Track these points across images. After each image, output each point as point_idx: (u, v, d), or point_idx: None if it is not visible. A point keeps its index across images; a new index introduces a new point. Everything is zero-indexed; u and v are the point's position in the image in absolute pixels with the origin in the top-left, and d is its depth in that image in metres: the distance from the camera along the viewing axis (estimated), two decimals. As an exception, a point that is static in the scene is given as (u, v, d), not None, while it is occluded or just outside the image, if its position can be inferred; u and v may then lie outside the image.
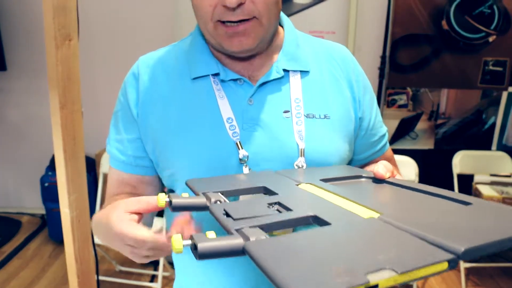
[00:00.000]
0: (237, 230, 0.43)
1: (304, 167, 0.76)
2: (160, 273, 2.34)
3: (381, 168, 0.66)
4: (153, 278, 2.60)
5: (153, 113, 0.80)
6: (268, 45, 0.81)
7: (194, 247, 0.41)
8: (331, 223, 0.44)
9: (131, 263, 2.72)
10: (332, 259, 0.35)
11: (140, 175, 0.85)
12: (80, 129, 1.14)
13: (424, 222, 0.43)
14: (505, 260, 2.77)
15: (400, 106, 2.91)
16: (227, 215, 0.49)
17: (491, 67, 2.82)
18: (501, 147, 2.99)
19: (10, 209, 3.44)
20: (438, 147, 2.99)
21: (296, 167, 0.76)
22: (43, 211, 3.30)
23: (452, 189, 2.62)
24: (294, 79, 0.81)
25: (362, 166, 0.93)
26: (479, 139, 2.99)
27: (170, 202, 0.54)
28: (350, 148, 0.85)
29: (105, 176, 2.50)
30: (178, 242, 0.44)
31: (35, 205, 3.38)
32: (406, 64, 2.82)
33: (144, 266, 2.72)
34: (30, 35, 3.02)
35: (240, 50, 0.75)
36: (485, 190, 2.62)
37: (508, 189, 2.64)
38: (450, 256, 0.35)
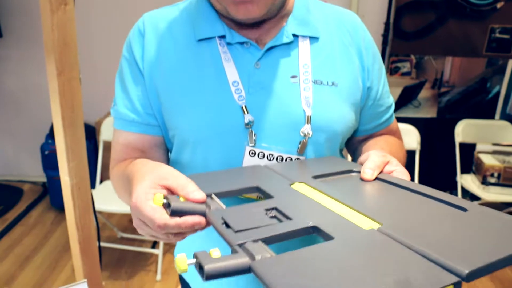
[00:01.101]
0: (240, 245, 0.43)
1: (310, 135, 0.75)
2: (161, 240, 2.37)
3: (367, 172, 0.65)
4: (154, 244, 2.63)
5: (158, 73, 0.78)
6: (278, 11, 0.78)
7: (199, 267, 0.41)
8: (334, 237, 0.44)
9: (133, 230, 2.75)
10: (339, 282, 0.35)
11: (149, 136, 0.82)
12: (79, 96, 1.12)
13: (425, 235, 0.43)
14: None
15: (403, 74, 2.87)
16: (227, 225, 0.48)
17: (497, 35, 2.76)
18: (505, 117, 2.96)
19: (11, 177, 3.46)
20: (441, 116, 2.97)
21: (302, 134, 0.75)
22: (44, 179, 3.31)
23: (454, 158, 2.63)
24: (303, 44, 0.79)
25: (367, 137, 0.92)
26: (482, 108, 2.96)
27: (168, 204, 0.53)
28: (356, 117, 0.83)
29: (105, 144, 2.50)
30: (183, 262, 0.43)
31: (36, 173, 3.40)
32: (410, 31, 2.77)
33: (145, 233, 2.75)
34: (25, 0, 2.95)
35: (247, 18, 0.72)
36: (487, 159, 2.61)
37: (510, 158, 2.64)
38: (455, 279, 0.35)
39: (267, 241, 0.45)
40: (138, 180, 0.60)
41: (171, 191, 0.58)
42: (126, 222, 2.87)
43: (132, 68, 0.80)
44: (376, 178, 0.65)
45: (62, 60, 1.07)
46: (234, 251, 0.43)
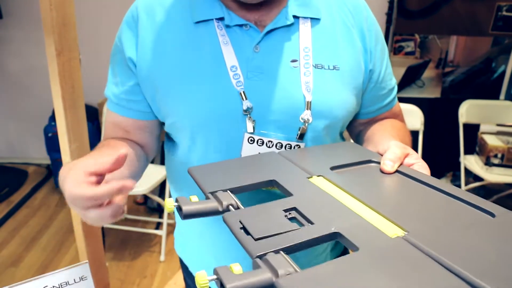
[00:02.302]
0: (260, 257, 0.42)
1: (310, 121, 0.74)
2: (165, 220, 2.38)
3: (387, 164, 0.64)
4: (158, 226, 2.65)
5: (153, 59, 0.75)
6: None
7: (220, 285, 0.40)
8: (358, 247, 0.43)
9: (137, 211, 2.77)
10: None
11: (133, 119, 0.83)
12: (79, 77, 1.11)
13: (452, 246, 0.42)
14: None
15: (407, 53, 2.83)
16: (245, 230, 0.46)
17: (504, 13, 2.71)
18: (509, 97, 2.93)
19: (16, 159, 3.48)
20: (445, 96, 2.94)
21: (301, 120, 0.73)
22: (48, 161, 3.32)
23: (457, 139, 2.61)
24: (304, 26, 0.77)
25: (370, 120, 0.90)
26: (487, 88, 2.93)
27: (179, 207, 0.52)
28: (358, 101, 0.81)
29: (108, 126, 2.49)
30: (203, 279, 0.41)
31: (41, 156, 3.41)
32: (414, 10, 2.72)
33: (149, 214, 2.77)
34: (25, -20, 2.92)
35: None
36: (491, 140, 2.60)
37: (514, 138, 2.62)
38: None
39: (289, 250, 0.43)
40: (66, 180, 0.61)
41: (99, 175, 0.59)
42: (130, 204, 2.88)
43: (121, 58, 0.79)
44: (396, 171, 0.64)
45: (61, 41, 1.06)
46: (255, 265, 0.42)
